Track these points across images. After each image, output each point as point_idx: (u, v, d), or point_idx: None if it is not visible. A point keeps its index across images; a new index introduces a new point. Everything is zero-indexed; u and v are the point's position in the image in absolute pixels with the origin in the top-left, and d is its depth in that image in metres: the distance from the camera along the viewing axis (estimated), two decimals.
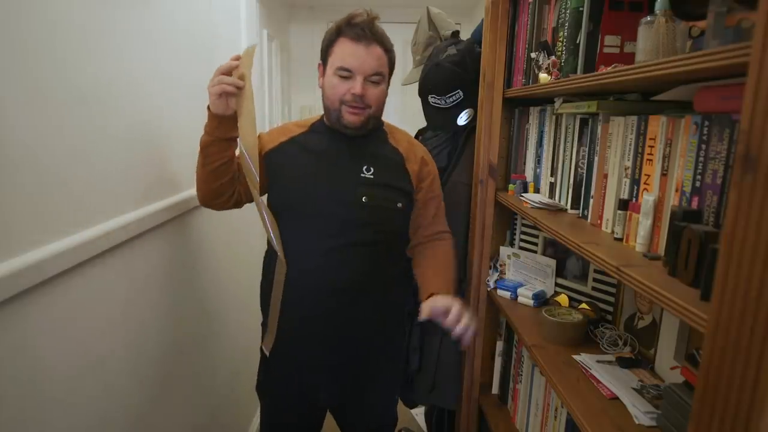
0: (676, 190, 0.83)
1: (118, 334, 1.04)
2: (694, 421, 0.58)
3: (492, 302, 1.58)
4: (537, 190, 1.40)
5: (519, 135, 1.55)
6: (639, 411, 0.95)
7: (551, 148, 1.33)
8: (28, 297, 0.76)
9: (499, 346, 1.64)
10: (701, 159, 0.77)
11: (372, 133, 1.34)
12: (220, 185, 1.26)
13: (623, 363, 1.11)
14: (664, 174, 0.86)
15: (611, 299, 1.31)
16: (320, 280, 1.29)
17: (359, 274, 1.30)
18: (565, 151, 1.25)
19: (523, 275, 1.55)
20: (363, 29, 1.21)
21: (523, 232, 1.61)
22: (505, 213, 1.60)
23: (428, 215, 1.40)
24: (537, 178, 1.42)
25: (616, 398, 1.00)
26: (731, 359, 0.52)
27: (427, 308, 1.17)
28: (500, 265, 1.61)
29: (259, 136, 1.36)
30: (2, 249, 0.73)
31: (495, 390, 1.69)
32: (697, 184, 0.77)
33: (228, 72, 1.16)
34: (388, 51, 1.26)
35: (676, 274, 0.74)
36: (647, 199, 0.87)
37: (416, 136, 1.96)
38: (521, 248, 1.60)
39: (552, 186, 1.32)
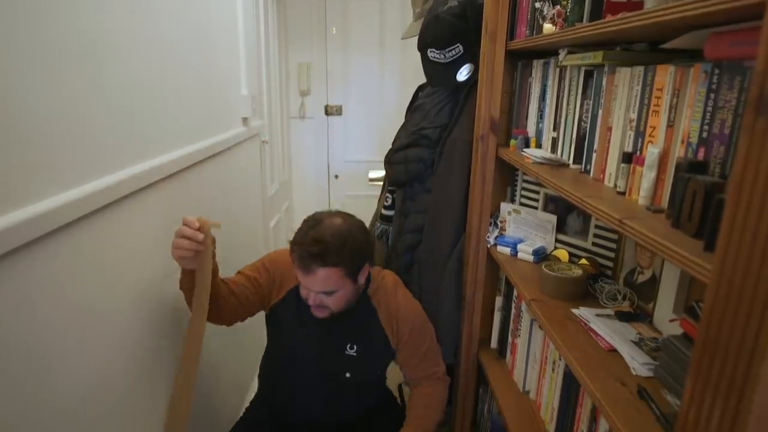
0: (682, 142, 0.81)
1: (118, 290, 1.04)
2: (693, 370, 0.58)
3: (492, 259, 1.59)
4: (539, 146, 1.38)
5: (521, 89, 1.52)
6: (637, 362, 0.96)
7: (554, 103, 1.30)
8: (27, 251, 0.76)
9: (499, 301, 1.65)
10: (709, 109, 0.75)
11: (356, 304, 1.40)
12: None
13: (622, 317, 1.12)
14: (670, 125, 0.84)
15: (611, 254, 1.31)
16: (304, 415, 1.49)
17: (340, 412, 1.49)
18: (568, 104, 1.22)
19: (524, 231, 1.54)
20: (302, 258, 1.24)
21: (524, 188, 1.60)
22: (506, 169, 1.58)
23: (411, 363, 1.50)
24: (539, 134, 1.39)
25: (615, 350, 1.01)
26: (734, 309, 0.51)
27: None
28: (500, 222, 1.60)
29: (272, 259, 1.46)
30: (12, 198, 0.72)
31: (494, 345, 1.72)
32: (704, 134, 0.76)
33: (187, 235, 1.11)
34: (337, 263, 1.25)
35: (679, 225, 0.73)
36: (652, 152, 0.86)
37: (416, 93, 1.93)
38: (522, 204, 1.59)
39: (554, 141, 1.30)
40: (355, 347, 1.42)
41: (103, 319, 0.98)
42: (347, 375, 1.43)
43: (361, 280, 1.36)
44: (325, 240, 1.23)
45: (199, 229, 1.11)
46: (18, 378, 0.75)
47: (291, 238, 1.30)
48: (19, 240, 0.73)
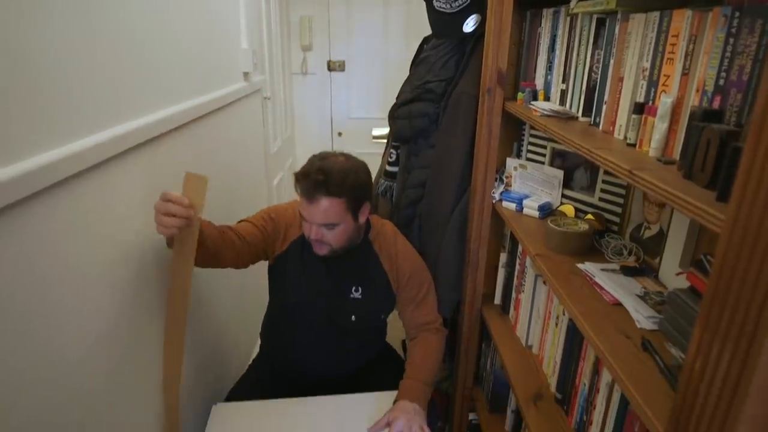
0: (697, 90, 0.78)
1: (116, 246, 1.03)
2: (702, 319, 0.58)
3: (496, 214, 1.57)
4: (547, 98, 1.35)
5: (530, 40, 1.47)
6: (641, 316, 0.95)
7: (564, 53, 1.26)
8: (27, 205, 0.75)
9: (503, 257, 1.65)
10: (728, 55, 0.72)
11: (358, 248, 1.45)
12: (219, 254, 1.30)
13: (627, 271, 1.11)
14: (685, 73, 0.81)
15: (618, 210, 1.30)
16: (306, 368, 1.54)
17: (342, 363, 1.54)
18: (578, 55, 1.19)
19: (530, 187, 1.53)
20: (307, 188, 1.28)
21: (530, 143, 1.57)
22: (512, 123, 1.55)
23: (408, 309, 1.55)
24: (548, 86, 1.36)
25: (619, 304, 1.01)
26: (748, 256, 0.50)
27: (381, 425, 1.35)
28: (506, 177, 1.58)
29: (276, 210, 1.46)
30: (11, 151, 0.71)
31: (497, 301, 1.73)
32: (721, 82, 0.73)
33: (175, 200, 1.03)
34: (340, 194, 1.29)
35: (691, 176, 0.71)
36: (665, 101, 0.83)
37: (421, 45, 1.88)
38: (528, 160, 1.57)
39: (563, 93, 1.27)
40: (360, 290, 1.47)
41: (101, 277, 0.97)
42: (352, 318, 1.46)
43: (362, 219, 1.39)
44: (330, 171, 1.28)
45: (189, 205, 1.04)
46: (27, 327, 0.75)
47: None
48: (18, 194, 0.72)
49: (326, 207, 1.29)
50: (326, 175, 1.27)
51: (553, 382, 1.31)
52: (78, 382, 0.89)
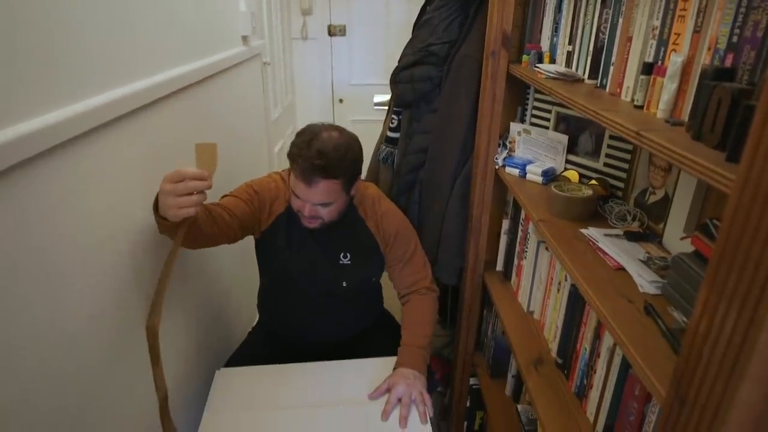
0: (709, 49, 0.76)
1: (126, 208, 1.02)
2: (708, 281, 0.57)
3: (499, 180, 1.56)
4: (553, 61, 1.32)
5: (536, 0, 1.43)
6: (644, 280, 0.95)
7: (571, 14, 1.23)
8: (31, 166, 0.74)
9: (505, 224, 1.64)
10: (742, 10, 0.69)
11: (344, 217, 1.43)
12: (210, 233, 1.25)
13: (631, 237, 1.10)
14: (697, 31, 0.79)
15: (623, 175, 1.28)
16: (304, 336, 1.57)
17: (339, 330, 1.57)
18: (586, 15, 1.15)
19: (533, 152, 1.50)
20: (304, 171, 1.24)
21: (535, 107, 1.54)
22: (516, 87, 1.52)
23: (397, 269, 1.54)
24: (553, 48, 1.32)
25: (622, 269, 1.00)
26: (758, 216, 0.49)
27: (381, 391, 1.36)
28: (509, 142, 1.56)
29: (259, 184, 1.45)
30: (10, 113, 0.70)
31: (499, 267, 1.73)
32: (734, 39, 0.70)
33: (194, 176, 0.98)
34: (338, 175, 1.27)
35: (701, 137, 0.69)
36: (675, 60, 0.81)
37: (423, 6, 1.83)
38: (532, 124, 1.54)
39: (569, 55, 1.24)
40: (348, 255, 1.46)
41: (99, 245, 0.95)
42: (344, 284, 1.47)
43: (353, 192, 1.39)
44: (328, 153, 1.24)
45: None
46: (30, 295, 0.75)
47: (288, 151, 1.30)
48: (20, 155, 0.70)
49: (324, 189, 1.27)
50: (325, 159, 1.23)
51: (554, 347, 1.32)
52: (77, 362, 0.88)
